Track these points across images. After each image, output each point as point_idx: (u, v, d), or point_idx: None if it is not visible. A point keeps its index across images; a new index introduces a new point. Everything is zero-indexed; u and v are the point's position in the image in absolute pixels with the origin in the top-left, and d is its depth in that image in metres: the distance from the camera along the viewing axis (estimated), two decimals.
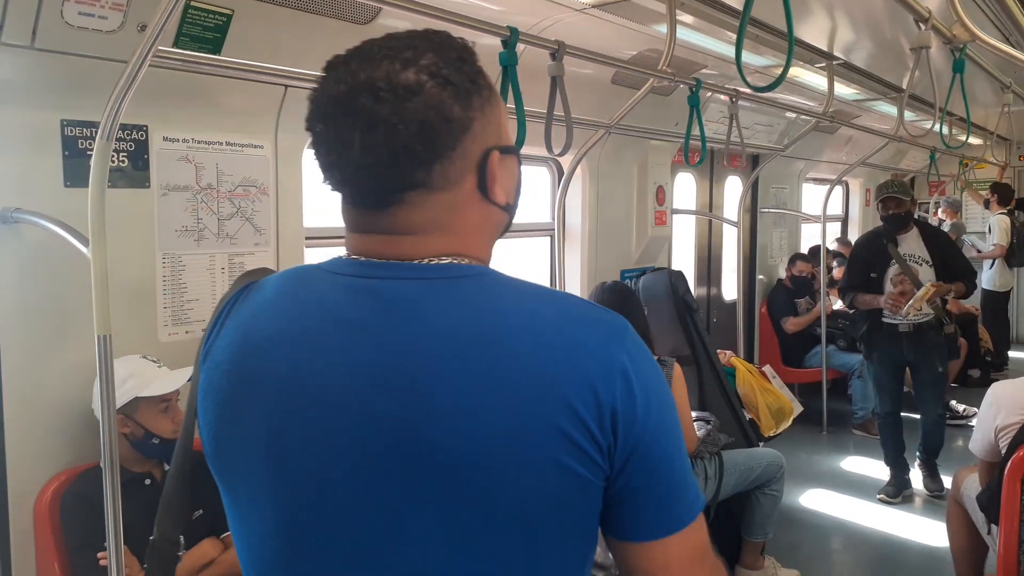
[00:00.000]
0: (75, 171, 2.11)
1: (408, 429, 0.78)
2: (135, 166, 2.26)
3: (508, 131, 0.92)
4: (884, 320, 4.32)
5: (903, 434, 4.50)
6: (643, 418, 0.80)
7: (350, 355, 0.81)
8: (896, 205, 4.26)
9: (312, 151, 0.86)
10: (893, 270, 4.30)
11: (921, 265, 4.25)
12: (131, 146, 2.25)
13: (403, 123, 0.79)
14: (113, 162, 2.18)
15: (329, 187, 0.86)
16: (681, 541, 0.83)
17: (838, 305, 6.03)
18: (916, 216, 4.44)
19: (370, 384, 0.79)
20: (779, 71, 3.54)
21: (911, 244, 4.29)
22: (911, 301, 4.15)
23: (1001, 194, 7.55)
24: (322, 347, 0.82)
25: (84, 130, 2.13)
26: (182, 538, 2.03)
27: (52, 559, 2.09)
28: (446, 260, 0.84)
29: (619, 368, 0.79)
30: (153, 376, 2.13)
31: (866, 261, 4.44)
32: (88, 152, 2.09)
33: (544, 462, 0.77)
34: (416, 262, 0.84)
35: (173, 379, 2.13)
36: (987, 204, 7.72)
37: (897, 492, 4.45)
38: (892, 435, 4.50)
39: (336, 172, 0.84)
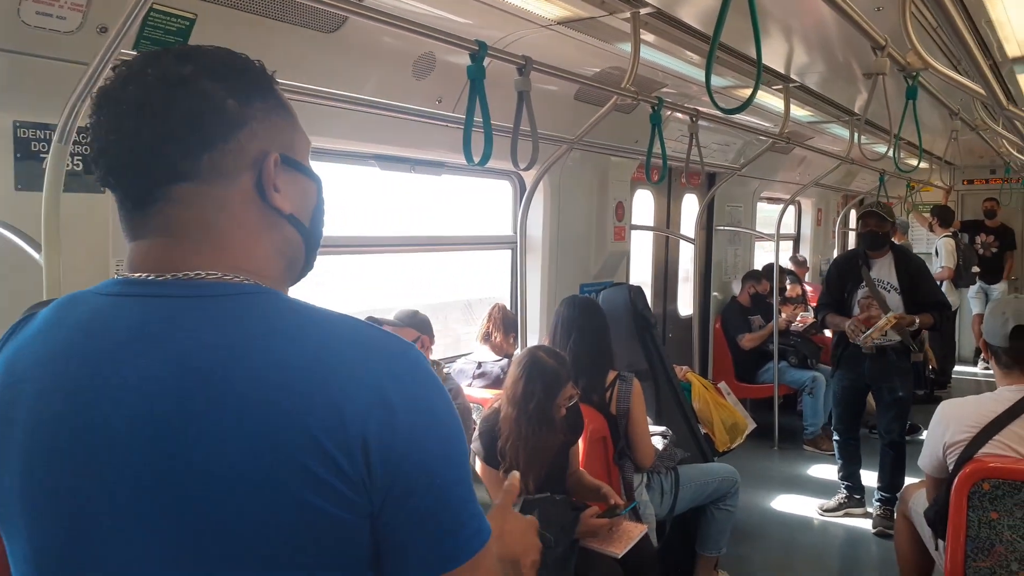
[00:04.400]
0: (27, 174, 2.05)
1: (148, 461, 0.74)
2: (89, 170, 2.20)
3: (302, 151, 0.91)
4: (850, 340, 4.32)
5: (859, 451, 4.52)
6: (404, 447, 0.75)
7: (96, 382, 0.77)
8: (876, 223, 4.26)
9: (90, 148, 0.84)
10: (862, 292, 4.32)
11: (889, 291, 4.25)
12: (86, 149, 2.18)
13: (171, 109, 0.80)
14: (68, 166, 2.12)
15: (98, 181, 0.84)
16: None
17: (796, 324, 6.14)
18: (893, 242, 4.42)
19: (114, 413, 0.76)
20: (739, 92, 3.61)
21: (883, 269, 4.28)
22: (869, 331, 4.12)
23: (942, 217, 7.82)
24: (67, 377, 0.79)
25: (38, 132, 2.07)
26: None
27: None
28: (215, 275, 0.81)
29: (378, 395, 0.75)
30: None
31: (840, 279, 4.47)
32: (41, 155, 2.04)
33: (285, 499, 0.72)
34: (182, 276, 0.80)
35: None
36: (930, 227, 7.97)
37: (839, 507, 4.52)
38: (845, 454, 4.53)
39: (102, 162, 0.82)
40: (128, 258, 0.84)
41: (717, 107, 2.11)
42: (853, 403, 4.47)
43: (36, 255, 1.75)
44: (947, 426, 2.59)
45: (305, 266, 0.94)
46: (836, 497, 4.57)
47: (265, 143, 0.84)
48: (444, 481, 0.78)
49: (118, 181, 0.83)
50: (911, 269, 4.25)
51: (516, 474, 1.23)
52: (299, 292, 0.94)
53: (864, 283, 4.31)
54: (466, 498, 0.80)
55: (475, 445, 2.72)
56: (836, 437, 4.58)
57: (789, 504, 4.73)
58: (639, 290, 4.33)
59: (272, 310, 0.80)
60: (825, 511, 4.53)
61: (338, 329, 0.79)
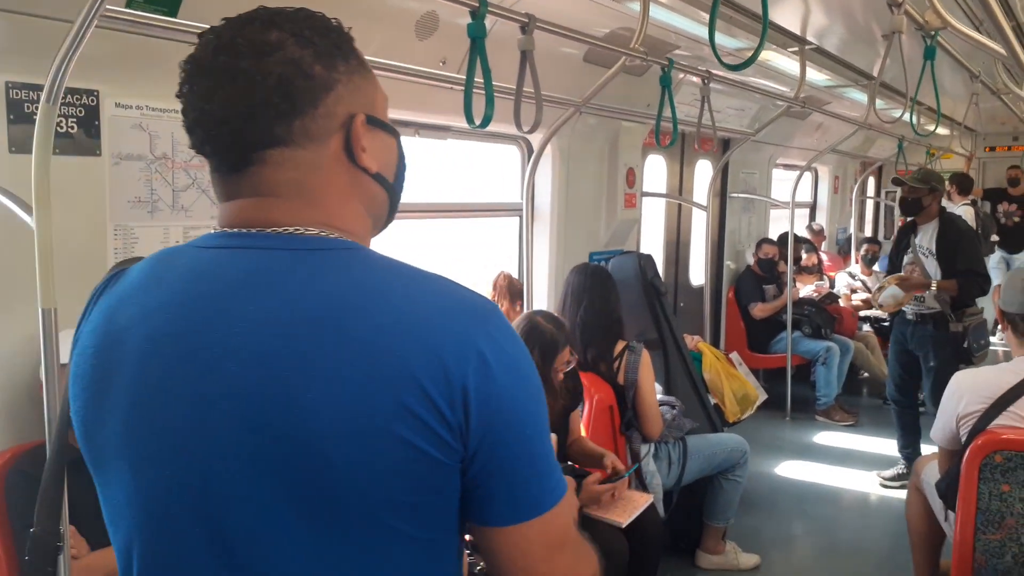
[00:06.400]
0: (20, 136, 2.01)
1: (258, 402, 0.78)
2: (86, 132, 2.17)
3: (382, 108, 0.94)
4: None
5: (917, 421, 4.49)
6: (498, 400, 0.80)
7: (207, 326, 0.81)
8: (907, 190, 4.30)
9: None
10: (908, 257, 4.38)
11: (928, 257, 4.28)
12: (81, 112, 2.15)
13: (261, 76, 0.82)
14: (61, 128, 2.09)
15: (193, 150, 0.87)
16: (539, 527, 0.83)
17: (805, 292, 6.08)
18: (943, 208, 4.42)
19: (222, 357, 0.79)
20: (752, 54, 3.51)
21: (927, 235, 4.31)
22: (875, 292, 4.27)
23: (960, 185, 7.67)
24: (177, 323, 0.82)
25: (30, 93, 2.03)
26: (62, 529, 1.96)
27: None
28: (313, 231, 0.85)
29: (475, 349, 0.79)
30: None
31: (896, 245, 4.59)
32: (35, 116, 1.99)
33: (386, 437, 0.76)
34: (281, 231, 0.84)
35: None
36: (948, 195, 7.82)
37: (898, 478, 4.48)
38: (900, 421, 4.53)
39: (198, 130, 0.85)
40: (222, 215, 0.88)
41: (722, 63, 2.04)
42: (903, 369, 4.45)
43: (28, 218, 1.72)
44: (961, 397, 2.54)
45: (387, 220, 0.98)
46: (896, 467, 4.55)
47: (350, 105, 0.87)
48: (531, 433, 0.83)
49: (214, 149, 0.86)
50: (950, 237, 4.24)
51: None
52: None
53: (911, 249, 4.37)
54: (548, 452, 0.85)
55: None
56: (892, 406, 4.58)
57: (800, 474, 4.71)
58: (649, 258, 4.27)
59: (371, 265, 0.84)
60: (885, 480, 4.50)
61: (435, 287, 0.84)
